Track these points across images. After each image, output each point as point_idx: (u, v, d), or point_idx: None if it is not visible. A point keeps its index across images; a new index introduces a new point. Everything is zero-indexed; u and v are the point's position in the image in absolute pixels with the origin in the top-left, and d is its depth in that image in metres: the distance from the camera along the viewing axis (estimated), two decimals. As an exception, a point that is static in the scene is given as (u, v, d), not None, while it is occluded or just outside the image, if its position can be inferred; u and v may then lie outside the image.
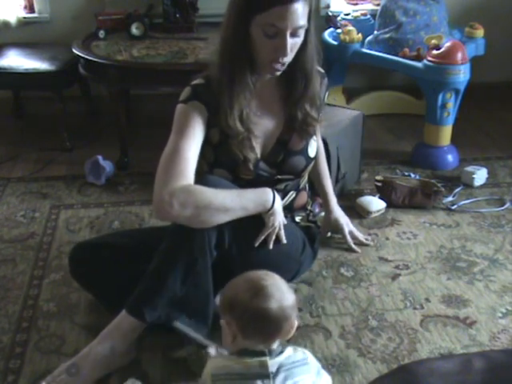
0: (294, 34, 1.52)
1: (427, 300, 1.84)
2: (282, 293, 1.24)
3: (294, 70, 1.64)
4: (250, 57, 1.57)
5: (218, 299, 1.69)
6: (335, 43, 2.99)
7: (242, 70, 1.58)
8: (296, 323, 1.27)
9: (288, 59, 1.56)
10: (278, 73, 1.60)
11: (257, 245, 1.62)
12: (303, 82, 1.66)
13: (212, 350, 1.49)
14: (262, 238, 1.63)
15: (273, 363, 1.23)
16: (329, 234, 2.13)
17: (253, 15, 1.50)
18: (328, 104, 2.06)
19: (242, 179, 1.68)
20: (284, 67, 1.58)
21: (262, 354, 1.24)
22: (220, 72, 1.60)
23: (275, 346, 1.26)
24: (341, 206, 2.10)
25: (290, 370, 1.24)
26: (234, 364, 1.24)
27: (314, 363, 1.31)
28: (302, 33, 1.54)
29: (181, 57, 2.62)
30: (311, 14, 1.56)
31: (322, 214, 2.12)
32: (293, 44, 1.54)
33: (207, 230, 1.51)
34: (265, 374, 1.21)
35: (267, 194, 1.59)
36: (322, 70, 1.77)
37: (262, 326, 1.22)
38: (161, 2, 3.01)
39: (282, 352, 1.26)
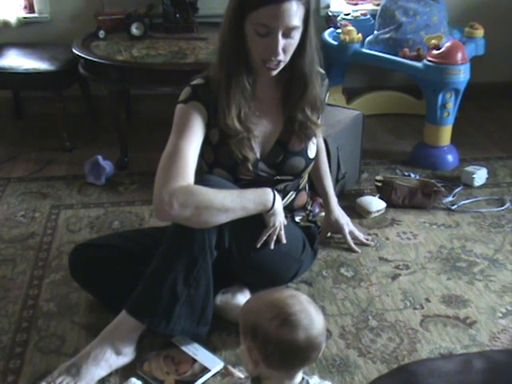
0: (286, 35, 1.52)
1: (427, 300, 1.84)
2: (310, 320, 1.14)
3: (293, 73, 1.64)
4: (246, 57, 1.57)
5: (217, 299, 1.70)
6: (335, 43, 2.98)
7: (238, 70, 1.58)
8: (323, 346, 1.19)
9: (281, 59, 1.55)
10: (274, 72, 1.59)
11: (259, 246, 1.62)
12: (302, 85, 1.65)
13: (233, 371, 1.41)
14: (264, 238, 1.63)
15: None
16: (329, 233, 2.13)
17: (246, 14, 1.51)
18: (328, 104, 2.06)
19: (242, 180, 1.69)
20: (279, 67, 1.58)
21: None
22: (218, 71, 1.61)
23: (299, 378, 1.19)
24: (341, 206, 2.10)
25: None
26: None
27: None
28: (295, 34, 1.54)
29: (181, 57, 2.62)
30: (309, 17, 1.55)
31: (322, 213, 2.12)
32: (286, 44, 1.53)
33: (207, 230, 1.51)
34: None
35: (267, 193, 1.59)
36: (323, 71, 1.77)
37: (289, 358, 1.14)
38: (161, 2, 3.01)
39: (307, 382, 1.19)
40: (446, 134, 2.67)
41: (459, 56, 2.52)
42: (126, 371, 1.55)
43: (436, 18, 2.92)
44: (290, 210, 1.82)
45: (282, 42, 1.52)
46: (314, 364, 1.55)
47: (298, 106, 1.68)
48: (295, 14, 1.50)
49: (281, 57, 1.54)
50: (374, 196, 2.37)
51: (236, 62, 1.58)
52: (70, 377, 1.47)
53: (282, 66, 1.58)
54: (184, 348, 1.59)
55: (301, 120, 1.69)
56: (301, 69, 1.63)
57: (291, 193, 1.80)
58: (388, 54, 2.85)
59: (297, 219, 1.87)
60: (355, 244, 2.08)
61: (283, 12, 1.48)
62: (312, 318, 1.15)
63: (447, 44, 2.56)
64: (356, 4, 3.43)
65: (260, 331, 1.13)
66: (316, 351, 1.16)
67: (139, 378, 1.52)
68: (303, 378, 1.20)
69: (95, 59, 2.58)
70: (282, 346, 1.12)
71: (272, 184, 1.70)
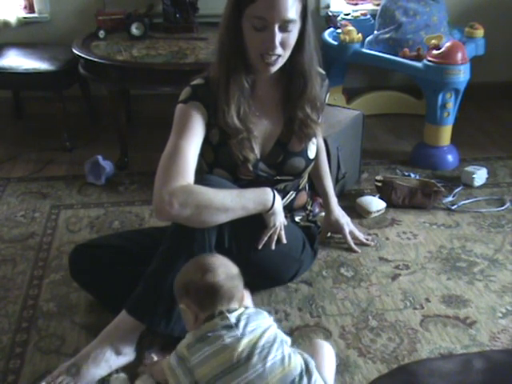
0: (283, 29, 1.53)
1: (427, 300, 1.84)
2: (226, 265, 1.38)
3: (292, 71, 1.64)
4: (244, 55, 1.58)
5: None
6: (335, 43, 2.98)
7: (236, 69, 1.59)
8: (246, 293, 1.42)
9: (279, 53, 1.56)
10: (272, 68, 1.59)
11: (260, 246, 1.62)
12: (301, 83, 1.66)
13: None
14: (265, 238, 1.63)
15: (232, 316, 1.33)
16: (329, 233, 2.13)
17: (243, 9, 1.52)
18: (328, 104, 2.06)
19: (242, 180, 1.69)
20: (277, 62, 1.58)
21: (220, 312, 1.34)
22: (217, 71, 1.61)
23: (231, 307, 1.37)
24: (341, 206, 2.10)
25: (248, 318, 1.33)
26: (202, 330, 1.33)
27: (272, 323, 1.39)
28: (292, 28, 1.54)
29: (181, 57, 2.62)
30: (307, 13, 1.57)
31: (322, 213, 2.12)
32: (283, 39, 1.54)
33: (207, 230, 1.51)
34: (228, 325, 1.31)
35: (267, 193, 1.59)
36: (323, 72, 1.77)
37: (216, 296, 1.33)
38: (161, 2, 3.01)
39: (235, 310, 1.37)
40: (446, 133, 2.67)
41: (459, 56, 2.52)
42: (126, 371, 1.54)
43: (436, 18, 2.92)
44: (289, 209, 1.82)
45: (278, 35, 1.52)
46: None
47: (298, 104, 1.68)
48: (291, 7, 1.51)
49: (278, 50, 1.55)
50: (374, 196, 2.37)
51: (234, 61, 1.58)
52: (70, 377, 1.47)
53: (280, 61, 1.58)
54: None
55: (301, 118, 1.69)
56: (300, 66, 1.63)
57: (291, 193, 1.81)
58: (388, 53, 2.84)
59: (297, 219, 1.87)
60: (355, 244, 2.08)
61: (279, 3, 1.49)
62: (227, 265, 1.39)
63: (447, 44, 2.56)
64: (356, 4, 3.43)
65: (190, 285, 1.35)
66: (237, 289, 1.37)
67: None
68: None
69: (95, 59, 2.58)
70: (210, 289, 1.33)
71: (272, 184, 1.70)
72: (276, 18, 1.50)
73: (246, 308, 1.39)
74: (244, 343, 1.28)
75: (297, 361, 1.32)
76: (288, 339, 1.38)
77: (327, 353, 1.47)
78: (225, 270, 1.37)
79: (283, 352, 1.31)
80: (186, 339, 1.36)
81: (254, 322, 1.34)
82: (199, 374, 1.29)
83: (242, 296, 1.40)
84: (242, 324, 1.32)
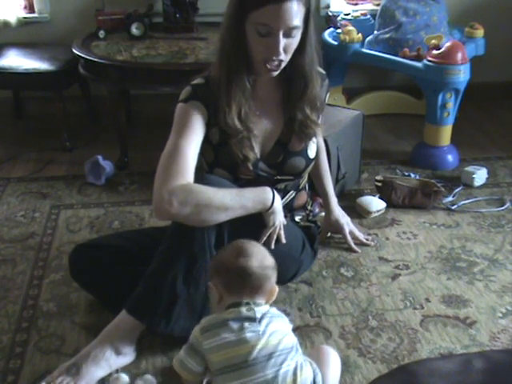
0: (287, 35, 1.52)
1: (427, 300, 1.84)
2: (262, 254, 1.39)
3: (293, 71, 1.64)
4: (246, 56, 1.57)
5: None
6: (335, 43, 2.98)
7: (238, 70, 1.58)
8: (277, 288, 1.41)
9: (282, 59, 1.55)
10: (274, 73, 1.59)
11: None
12: (302, 84, 1.65)
13: None
14: (265, 238, 1.63)
15: (258, 310, 1.34)
16: (329, 233, 2.13)
17: (247, 13, 1.51)
18: (328, 104, 2.06)
19: (242, 179, 1.69)
20: (279, 68, 1.58)
21: (247, 303, 1.35)
22: (218, 71, 1.61)
23: (259, 301, 1.38)
24: (341, 206, 2.10)
25: (271, 318, 1.34)
26: (224, 314, 1.34)
27: (290, 329, 1.40)
28: (296, 34, 1.54)
29: (181, 57, 2.62)
30: (309, 17, 1.56)
31: (322, 213, 2.12)
32: (287, 44, 1.53)
33: (207, 230, 1.51)
34: (252, 318, 1.32)
35: (267, 192, 1.59)
36: (323, 71, 1.77)
37: (245, 282, 1.34)
38: (161, 2, 3.01)
39: (261, 305, 1.37)
40: (446, 134, 2.67)
41: (459, 56, 2.52)
42: (126, 371, 1.54)
43: (436, 18, 2.92)
44: (289, 209, 1.82)
45: (282, 41, 1.52)
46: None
47: (298, 105, 1.68)
48: (296, 14, 1.50)
49: (282, 56, 1.55)
50: (374, 196, 2.37)
51: (236, 62, 1.58)
52: (70, 377, 1.47)
53: (282, 66, 1.58)
54: None
55: (301, 119, 1.69)
56: (301, 68, 1.63)
57: (291, 192, 1.81)
58: (388, 53, 2.84)
59: (297, 219, 1.87)
60: (355, 244, 2.08)
61: (284, 12, 1.48)
62: (264, 254, 1.40)
63: (447, 44, 2.56)
64: (356, 4, 3.43)
65: (222, 265, 1.37)
66: (268, 282, 1.37)
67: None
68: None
69: (95, 59, 2.58)
70: (240, 272, 1.34)
71: (272, 184, 1.70)
72: (281, 25, 1.49)
73: (271, 307, 1.39)
74: (263, 343, 1.29)
75: (308, 372, 1.32)
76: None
77: (333, 361, 1.45)
78: (260, 258, 1.37)
79: (297, 361, 1.31)
80: (199, 324, 1.36)
81: (276, 324, 1.34)
82: (209, 361, 1.30)
83: (272, 290, 1.40)
84: (265, 322, 1.32)
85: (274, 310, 1.39)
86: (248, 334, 1.29)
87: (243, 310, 1.33)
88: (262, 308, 1.35)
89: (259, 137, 1.69)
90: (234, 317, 1.32)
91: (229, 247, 1.42)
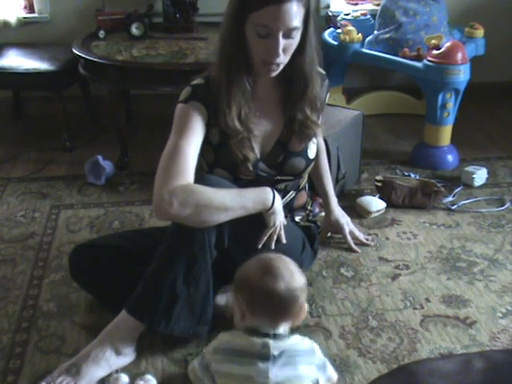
0: (287, 36, 1.52)
1: (427, 300, 1.84)
2: (291, 274, 1.27)
3: (293, 72, 1.64)
4: (246, 57, 1.57)
5: (217, 298, 1.70)
6: (335, 43, 2.98)
7: (238, 70, 1.58)
8: (306, 307, 1.31)
9: (282, 60, 1.55)
10: (274, 73, 1.59)
11: (260, 246, 1.62)
12: (302, 84, 1.65)
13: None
14: (265, 238, 1.63)
15: (276, 346, 1.23)
16: (329, 233, 2.13)
17: (246, 15, 1.50)
18: (328, 104, 2.06)
19: (242, 179, 1.69)
20: (279, 68, 1.58)
21: (267, 335, 1.25)
22: (218, 71, 1.61)
23: (282, 330, 1.28)
24: (341, 206, 2.10)
25: (292, 358, 1.24)
26: (239, 339, 1.26)
27: (319, 357, 1.32)
28: (296, 35, 1.54)
29: (181, 57, 2.62)
30: (309, 17, 1.55)
31: (322, 213, 2.12)
32: (286, 45, 1.53)
33: (207, 230, 1.51)
34: (266, 355, 1.23)
35: (267, 192, 1.59)
36: (323, 71, 1.77)
37: (270, 305, 1.24)
38: (161, 2, 3.01)
39: (289, 337, 1.27)
40: (446, 134, 2.67)
41: (459, 56, 2.52)
42: (126, 371, 1.54)
43: (436, 18, 2.92)
44: (289, 209, 1.82)
45: (282, 42, 1.51)
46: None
47: (298, 105, 1.68)
48: (296, 15, 1.49)
49: (281, 58, 1.54)
50: (374, 196, 2.37)
51: (236, 63, 1.57)
52: (70, 377, 1.47)
53: (282, 66, 1.58)
54: None
55: (301, 119, 1.69)
56: (301, 68, 1.63)
57: (291, 192, 1.81)
58: (388, 53, 2.84)
59: (297, 219, 1.87)
60: (355, 244, 2.08)
61: (284, 13, 1.47)
62: (293, 273, 1.29)
63: (447, 44, 2.56)
64: (356, 4, 3.43)
65: (246, 282, 1.27)
66: (295, 305, 1.26)
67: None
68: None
69: (95, 59, 2.58)
70: (264, 294, 1.24)
71: (272, 184, 1.70)
72: (281, 27, 1.49)
73: (303, 339, 1.28)
74: None
75: None
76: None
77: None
78: (288, 278, 1.26)
79: None
80: (216, 340, 1.30)
81: (294, 368, 1.23)
82: (216, 381, 1.25)
83: (301, 309, 1.30)
84: (280, 362, 1.22)
85: (300, 343, 1.28)
86: (254, 374, 1.20)
87: (258, 343, 1.23)
88: (282, 343, 1.24)
89: (259, 137, 1.69)
90: (247, 349, 1.23)
91: (255, 262, 1.31)
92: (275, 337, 1.25)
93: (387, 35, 2.92)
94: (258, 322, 1.27)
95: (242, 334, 1.27)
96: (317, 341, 1.65)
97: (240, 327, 1.31)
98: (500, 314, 1.78)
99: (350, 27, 2.93)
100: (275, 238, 1.65)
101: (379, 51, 2.89)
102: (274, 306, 1.25)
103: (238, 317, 1.31)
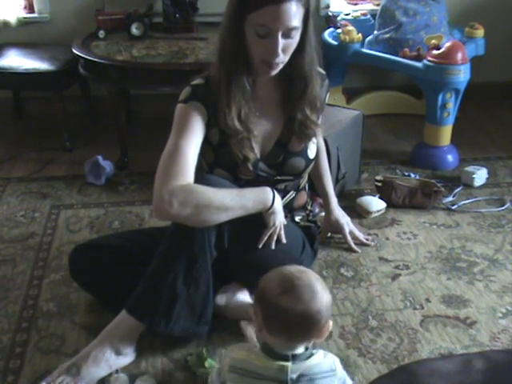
0: (286, 35, 1.51)
1: (427, 300, 1.84)
2: (312, 296, 1.18)
3: (292, 72, 1.63)
4: (246, 56, 1.57)
5: (217, 298, 1.70)
6: (335, 43, 2.98)
7: (238, 70, 1.58)
8: (330, 326, 1.23)
9: (281, 59, 1.55)
10: (273, 72, 1.59)
11: (260, 246, 1.63)
12: (302, 84, 1.65)
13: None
14: (265, 238, 1.63)
15: (294, 369, 1.18)
16: (329, 233, 2.13)
17: (246, 14, 1.50)
18: (328, 104, 2.06)
19: (242, 179, 1.69)
20: (278, 67, 1.58)
21: (285, 357, 1.19)
22: (217, 71, 1.61)
23: (301, 349, 1.22)
24: (341, 206, 2.10)
25: (312, 381, 1.19)
26: (255, 361, 1.21)
27: (340, 374, 1.26)
28: (295, 34, 1.54)
29: (181, 57, 2.62)
30: (309, 17, 1.55)
31: (322, 213, 2.12)
32: (286, 45, 1.53)
33: (207, 230, 1.51)
34: (282, 380, 1.18)
35: (267, 192, 1.59)
36: (323, 71, 1.77)
37: (286, 326, 1.18)
38: (161, 2, 3.01)
39: (310, 356, 1.21)
40: (446, 134, 2.67)
41: (459, 56, 2.52)
42: (126, 371, 1.54)
43: (436, 18, 2.92)
44: (289, 209, 1.82)
45: (281, 42, 1.51)
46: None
47: (298, 105, 1.68)
48: (295, 15, 1.49)
49: (280, 58, 1.54)
50: (374, 196, 2.37)
51: (236, 62, 1.57)
52: (70, 377, 1.47)
53: (281, 65, 1.58)
54: None
55: (300, 119, 1.69)
56: (301, 68, 1.63)
57: (291, 192, 1.81)
58: (388, 53, 2.84)
59: (297, 219, 1.87)
60: (355, 244, 2.08)
61: (283, 13, 1.47)
62: (315, 294, 1.18)
63: (447, 44, 2.56)
64: (356, 4, 3.43)
65: (265, 296, 1.19)
66: (315, 328, 1.18)
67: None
68: (307, 349, 1.23)
69: (95, 59, 2.58)
70: (280, 313, 1.16)
71: (272, 184, 1.70)
72: (280, 26, 1.48)
73: (325, 357, 1.22)
74: None
75: None
76: None
77: None
78: (308, 300, 1.17)
79: None
80: (231, 354, 1.24)
81: None
82: None
83: (323, 329, 1.21)
84: None
85: (321, 363, 1.21)
86: None
87: (274, 367, 1.17)
88: (301, 364, 1.17)
89: (259, 137, 1.69)
90: (262, 372, 1.17)
91: (277, 275, 1.22)
92: (294, 358, 1.19)
93: (387, 35, 2.92)
94: (274, 340, 1.21)
95: (259, 353, 1.22)
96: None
97: (258, 337, 1.26)
98: (500, 314, 1.78)
99: (350, 27, 2.93)
100: (275, 237, 1.65)
101: (379, 51, 2.89)
102: (290, 327, 1.17)
103: (255, 327, 1.26)
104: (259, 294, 1.23)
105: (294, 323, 1.17)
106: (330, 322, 1.23)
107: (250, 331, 1.54)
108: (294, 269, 1.25)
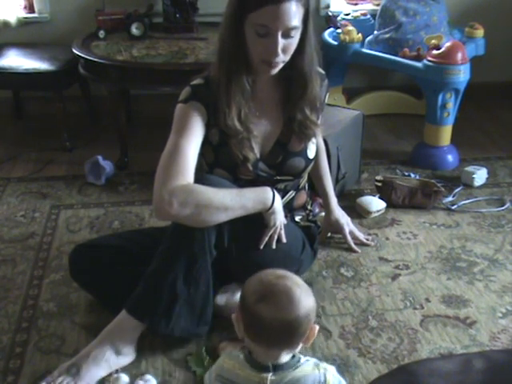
0: (286, 35, 1.52)
1: (427, 300, 1.84)
2: (289, 303, 1.14)
3: (292, 72, 1.63)
4: (246, 56, 1.57)
5: (217, 298, 1.70)
6: (335, 43, 2.98)
7: (237, 70, 1.58)
8: (316, 328, 1.21)
9: (281, 59, 1.55)
10: (274, 71, 1.59)
11: (262, 246, 1.63)
12: (301, 84, 1.65)
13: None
14: (266, 238, 1.63)
15: (275, 381, 1.15)
16: (329, 233, 2.13)
17: (245, 14, 1.50)
18: (328, 104, 2.06)
19: (242, 179, 1.69)
20: (278, 66, 1.58)
21: (266, 369, 1.16)
22: (217, 71, 1.61)
23: (286, 358, 1.19)
24: (341, 206, 2.10)
25: None
26: (239, 371, 1.20)
27: None
28: (295, 34, 1.54)
29: (181, 57, 2.62)
30: (308, 17, 1.55)
31: (322, 213, 2.12)
32: (286, 45, 1.53)
33: (207, 230, 1.51)
34: None
35: (267, 192, 1.59)
36: (323, 71, 1.77)
37: (264, 334, 1.16)
38: (161, 2, 3.01)
39: (296, 367, 1.18)
40: (446, 134, 2.67)
41: (459, 56, 2.52)
42: (126, 371, 1.54)
43: (436, 18, 2.92)
44: (289, 209, 1.82)
45: (281, 42, 1.51)
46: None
47: (298, 105, 1.68)
48: (295, 15, 1.49)
49: (280, 57, 1.54)
50: (374, 196, 2.37)
51: (236, 62, 1.57)
52: (70, 377, 1.47)
53: (281, 65, 1.58)
54: None
55: (300, 120, 1.69)
56: (300, 68, 1.63)
57: (291, 192, 1.81)
58: (388, 53, 2.84)
59: (297, 219, 1.87)
60: (355, 244, 2.08)
61: (283, 12, 1.47)
62: (292, 301, 1.14)
63: (447, 44, 2.56)
64: (356, 4, 3.43)
65: (244, 303, 1.18)
66: (295, 334, 1.15)
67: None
68: (294, 356, 1.20)
69: (95, 59, 2.58)
70: (258, 321, 1.13)
71: (272, 184, 1.70)
72: (280, 26, 1.49)
73: (314, 369, 1.17)
74: None
75: None
76: None
77: None
78: (285, 306, 1.13)
79: None
80: (227, 361, 1.22)
81: None
82: None
83: (305, 335, 1.17)
84: None
85: (308, 376, 1.15)
86: None
87: (255, 378, 1.14)
88: (283, 375, 1.13)
89: (259, 137, 1.69)
90: (244, 379, 1.15)
91: (256, 281, 1.18)
92: (275, 368, 1.15)
93: (387, 35, 2.92)
94: (255, 347, 1.18)
95: (244, 363, 1.19)
96: (317, 341, 1.66)
97: (240, 337, 1.23)
98: (500, 314, 1.78)
99: (350, 27, 2.93)
100: (275, 237, 1.65)
101: (379, 51, 2.89)
102: (270, 335, 1.14)
103: (238, 334, 1.23)
104: (240, 301, 1.20)
105: (272, 331, 1.14)
106: (315, 327, 1.20)
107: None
108: (273, 275, 1.20)
